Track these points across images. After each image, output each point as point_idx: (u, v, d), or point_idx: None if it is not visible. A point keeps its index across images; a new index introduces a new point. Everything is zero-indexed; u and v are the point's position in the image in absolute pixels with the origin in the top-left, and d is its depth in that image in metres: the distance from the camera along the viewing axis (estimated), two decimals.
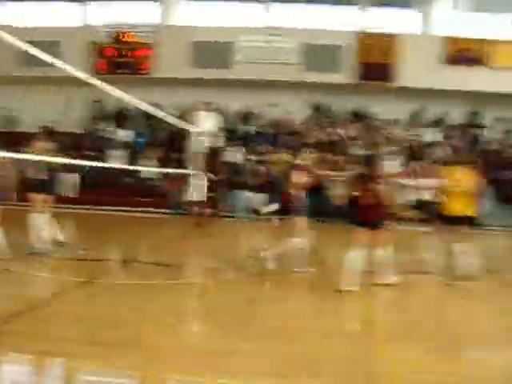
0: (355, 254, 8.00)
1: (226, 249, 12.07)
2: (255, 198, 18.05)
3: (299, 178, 9.10)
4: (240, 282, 8.31)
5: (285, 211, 8.96)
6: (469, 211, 8.89)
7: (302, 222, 8.83)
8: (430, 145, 21.70)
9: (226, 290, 7.78)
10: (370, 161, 8.66)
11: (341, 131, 21.33)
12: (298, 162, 9.16)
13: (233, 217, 17.90)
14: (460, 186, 8.84)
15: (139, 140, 21.41)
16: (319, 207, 18.54)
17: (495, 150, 21.85)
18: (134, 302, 6.76)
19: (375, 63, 22.64)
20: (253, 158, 19.95)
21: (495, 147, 22.08)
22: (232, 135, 21.34)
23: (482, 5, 23.93)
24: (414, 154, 20.39)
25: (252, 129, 22.00)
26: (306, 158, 9.51)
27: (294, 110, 22.86)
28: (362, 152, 19.71)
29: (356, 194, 8.37)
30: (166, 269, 8.92)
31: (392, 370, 4.94)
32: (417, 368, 4.96)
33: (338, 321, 6.66)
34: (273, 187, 18.42)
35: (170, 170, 17.58)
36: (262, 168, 18.86)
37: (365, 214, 8.12)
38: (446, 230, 8.76)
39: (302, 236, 8.77)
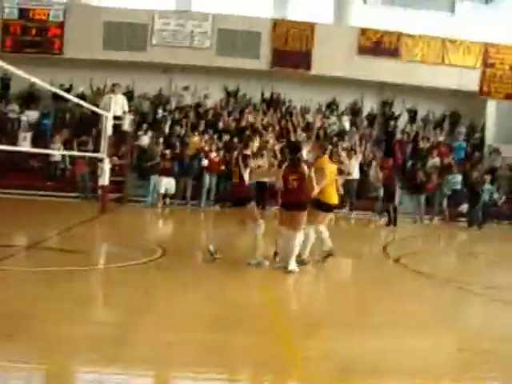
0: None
1: (131, 234, 11.79)
2: (166, 182, 17.79)
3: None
4: (143, 269, 8.09)
5: (237, 200, 8.85)
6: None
7: (253, 209, 8.75)
8: (341, 133, 22.00)
9: (128, 277, 7.54)
10: (293, 147, 8.71)
11: (252, 117, 21.30)
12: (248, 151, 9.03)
13: (141, 201, 17.58)
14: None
15: (45, 121, 20.62)
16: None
17: (406, 141, 22.41)
18: (34, 290, 6.43)
19: (290, 51, 22.73)
20: (163, 141, 19.68)
21: (406, 137, 22.64)
22: (143, 118, 20.99)
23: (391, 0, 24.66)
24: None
25: (163, 112, 21.63)
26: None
27: (208, 94, 22.72)
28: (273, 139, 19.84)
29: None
30: (69, 255, 8.59)
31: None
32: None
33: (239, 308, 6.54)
34: (186, 171, 18.30)
35: (77, 153, 17.12)
36: (174, 152, 18.60)
37: (288, 197, 8.35)
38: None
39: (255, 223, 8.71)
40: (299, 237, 8.32)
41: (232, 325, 5.61)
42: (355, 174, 18.40)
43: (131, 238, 11.13)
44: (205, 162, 18.02)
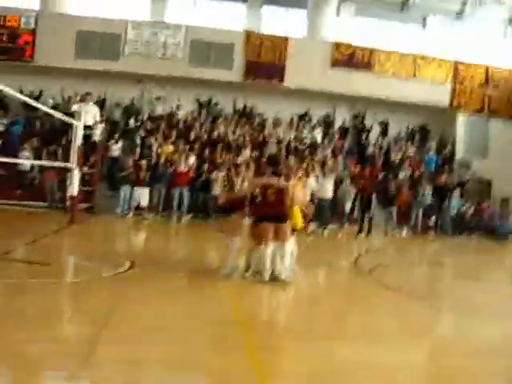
0: (266, 249, 8.30)
1: (99, 246, 11.65)
2: (140, 193, 17.68)
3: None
4: (110, 281, 7.95)
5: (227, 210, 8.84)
6: None
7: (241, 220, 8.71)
8: (313, 146, 22.07)
9: (94, 290, 7.40)
10: (274, 160, 8.74)
11: (224, 129, 21.29)
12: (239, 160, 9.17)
13: (112, 212, 17.39)
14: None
15: (13, 128, 20.30)
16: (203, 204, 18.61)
17: (378, 153, 22.57)
18: None
19: (263, 62, 22.77)
20: (138, 151, 19.55)
21: (378, 150, 22.80)
22: (114, 128, 20.81)
23: (364, 12, 24.83)
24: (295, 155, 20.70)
25: (135, 122, 21.47)
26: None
27: (180, 105, 22.63)
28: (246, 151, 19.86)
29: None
30: (36, 267, 8.42)
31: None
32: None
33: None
34: (157, 181, 18.16)
35: (46, 163, 16.90)
36: (145, 162, 18.45)
37: (267, 210, 8.36)
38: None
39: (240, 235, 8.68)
40: (289, 246, 8.36)
41: (205, 342, 5.55)
42: (329, 194, 17.64)
43: (100, 249, 10.98)
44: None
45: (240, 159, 9.00)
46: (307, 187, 15.49)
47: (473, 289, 10.22)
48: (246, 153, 19.56)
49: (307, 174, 16.24)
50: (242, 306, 7.44)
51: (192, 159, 18.69)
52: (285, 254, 8.36)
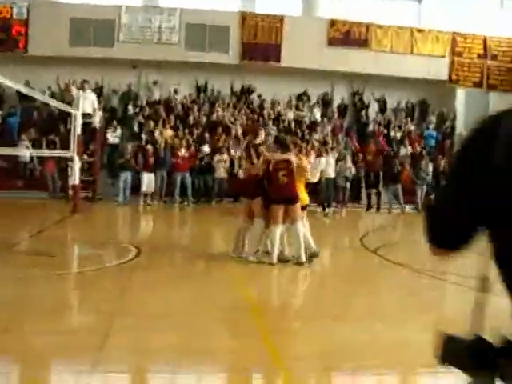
0: (276, 230, 8.27)
1: (104, 234, 11.61)
2: (148, 180, 17.71)
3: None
4: (117, 271, 7.92)
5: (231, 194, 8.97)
6: None
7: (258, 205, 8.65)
8: (312, 125, 22.00)
9: (101, 279, 7.37)
10: (282, 144, 8.67)
11: (223, 112, 21.21)
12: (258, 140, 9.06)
13: (114, 200, 17.35)
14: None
15: (10, 120, 20.22)
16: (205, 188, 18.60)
17: (377, 131, 22.48)
18: (4, 296, 6.20)
19: (260, 44, 22.60)
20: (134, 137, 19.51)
21: (377, 127, 22.71)
22: (112, 116, 20.71)
23: None
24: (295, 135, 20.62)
25: (134, 109, 21.35)
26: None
27: (178, 89, 22.49)
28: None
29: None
30: (43, 258, 8.37)
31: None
32: None
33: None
34: (159, 166, 18.11)
35: (46, 154, 16.82)
36: (146, 147, 18.37)
37: (280, 192, 8.35)
38: None
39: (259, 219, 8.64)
40: (300, 227, 8.34)
41: (215, 327, 5.52)
42: (331, 172, 17.57)
43: (104, 238, 10.94)
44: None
45: (259, 140, 8.88)
46: (318, 167, 15.59)
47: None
48: (262, 134, 19.47)
49: (316, 152, 16.17)
50: (251, 289, 7.42)
51: (193, 146, 18.59)
52: (298, 234, 8.33)
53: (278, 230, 8.31)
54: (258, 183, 8.56)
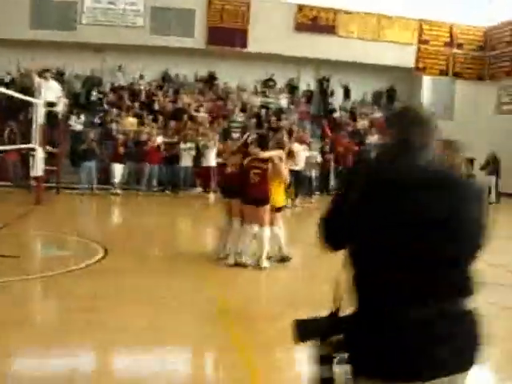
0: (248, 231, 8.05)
1: (69, 230, 11.18)
2: (119, 170, 17.38)
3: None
4: (85, 274, 7.55)
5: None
6: None
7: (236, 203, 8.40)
8: (278, 112, 21.84)
9: (67, 286, 6.97)
10: (262, 141, 8.39)
11: (188, 98, 20.91)
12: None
13: (78, 189, 16.97)
14: None
15: None
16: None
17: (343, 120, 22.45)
18: None
19: (226, 28, 22.24)
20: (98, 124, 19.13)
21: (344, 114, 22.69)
22: (75, 102, 20.20)
23: None
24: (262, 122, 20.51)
25: (97, 94, 20.85)
26: None
27: (143, 74, 22.07)
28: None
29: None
30: (4, 260, 7.90)
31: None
32: None
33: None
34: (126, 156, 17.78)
35: (8, 147, 16.29)
36: (116, 136, 18.00)
37: (251, 191, 8.07)
38: None
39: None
40: (267, 232, 8.10)
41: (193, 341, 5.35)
42: (302, 164, 16.94)
43: (70, 235, 10.55)
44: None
45: (250, 139, 8.59)
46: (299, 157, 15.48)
47: None
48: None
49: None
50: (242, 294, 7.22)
51: (160, 138, 18.20)
52: (262, 239, 8.12)
53: (251, 230, 8.11)
54: (236, 180, 8.33)
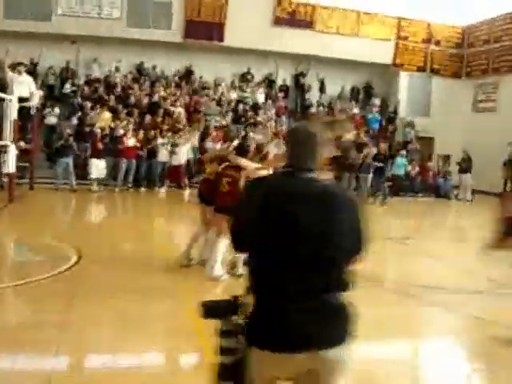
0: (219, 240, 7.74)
1: (42, 231, 10.93)
2: (98, 166, 17.14)
3: None
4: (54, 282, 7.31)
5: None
6: None
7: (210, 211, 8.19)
8: (255, 106, 21.74)
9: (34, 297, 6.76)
10: (242, 149, 8.17)
11: (164, 92, 20.68)
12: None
13: (53, 183, 16.68)
14: None
15: None
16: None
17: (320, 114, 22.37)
18: None
19: (203, 21, 22.02)
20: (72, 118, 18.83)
21: (321, 109, 22.63)
22: (49, 94, 19.87)
23: None
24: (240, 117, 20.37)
25: (72, 87, 20.51)
26: None
27: (119, 67, 21.78)
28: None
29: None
30: None
31: None
32: None
33: None
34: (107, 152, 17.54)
35: None
36: (99, 131, 17.72)
37: (218, 198, 7.85)
38: None
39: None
40: (223, 241, 7.84)
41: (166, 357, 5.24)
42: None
43: (41, 237, 10.28)
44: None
45: (232, 146, 8.39)
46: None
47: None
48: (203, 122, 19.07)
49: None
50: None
51: (132, 140, 17.94)
52: (215, 249, 7.82)
53: (223, 240, 7.69)
54: (211, 187, 8.16)
